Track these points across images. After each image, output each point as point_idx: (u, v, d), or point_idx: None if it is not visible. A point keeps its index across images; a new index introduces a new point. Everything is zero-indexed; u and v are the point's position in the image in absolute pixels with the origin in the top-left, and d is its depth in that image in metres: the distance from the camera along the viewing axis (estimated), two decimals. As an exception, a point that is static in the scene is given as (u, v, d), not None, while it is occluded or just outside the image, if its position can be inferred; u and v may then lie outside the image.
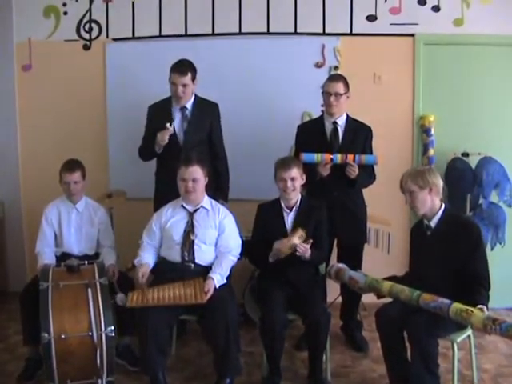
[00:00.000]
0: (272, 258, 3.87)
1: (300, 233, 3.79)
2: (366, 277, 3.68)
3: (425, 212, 3.56)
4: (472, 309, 3.07)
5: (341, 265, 3.89)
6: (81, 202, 4.31)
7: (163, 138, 4.21)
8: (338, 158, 4.15)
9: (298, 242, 3.75)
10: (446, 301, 3.18)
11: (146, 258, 3.91)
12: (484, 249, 3.49)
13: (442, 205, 3.57)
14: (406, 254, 5.00)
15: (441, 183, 3.55)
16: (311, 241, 3.79)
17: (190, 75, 4.26)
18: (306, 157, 4.17)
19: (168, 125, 4.20)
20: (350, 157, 4.14)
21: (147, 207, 4.50)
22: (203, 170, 3.92)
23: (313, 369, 3.81)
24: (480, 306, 3.14)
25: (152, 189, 4.58)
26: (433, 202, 3.53)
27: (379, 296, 3.63)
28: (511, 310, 5.14)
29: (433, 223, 3.57)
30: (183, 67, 4.25)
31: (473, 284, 3.35)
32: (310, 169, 4.12)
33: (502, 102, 5.11)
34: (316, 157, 4.16)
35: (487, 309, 3.17)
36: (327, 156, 4.15)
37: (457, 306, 3.12)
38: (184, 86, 4.26)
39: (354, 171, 4.14)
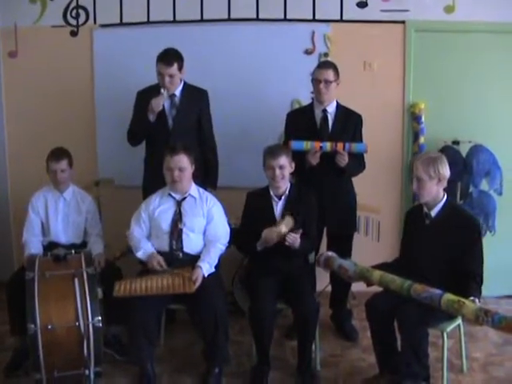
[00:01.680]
0: (260, 246, 3.86)
1: (288, 220, 3.78)
2: (355, 265, 3.66)
3: (428, 200, 3.54)
4: (464, 300, 3.06)
5: (330, 253, 3.87)
6: (68, 191, 4.27)
7: (158, 103, 4.17)
8: (328, 146, 4.11)
9: (286, 231, 3.73)
10: (438, 291, 3.17)
11: (149, 248, 3.88)
12: (481, 245, 3.48)
13: (444, 195, 3.55)
14: (395, 242, 5.07)
15: (448, 174, 3.53)
16: (301, 230, 3.78)
17: (176, 65, 4.21)
18: (294, 145, 4.14)
19: (162, 90, 4.17)
20: (340, 145, 4.11)
21: (136, 195, 4.46)
22: (189, 158, 3.88)
23: (302, 358, 3.79)
24: (471, 297, 3.13)
25: (140, 177, 4.55)
26: (438, 192, 3.52)
27: (369, 284, 3.61)
28: (501, 299, 5.18)
29: (433, 212, 3.56)
30: (169, 57, 4.21)
31: (466, 278, 3.35)
32: (299, 157, 4.08)
33: (493, 89, 5.08)
34: (305, 145, 4.13)
35: (479, 301, 3.16)
36: (316, 144, 4.12)
37: (448, 296, 3.10)
38: (171, 76, 4.22)
39: (343, 160, 4.11)
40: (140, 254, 3.85)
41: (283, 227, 3.75)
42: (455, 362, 3.94)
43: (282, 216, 3.86)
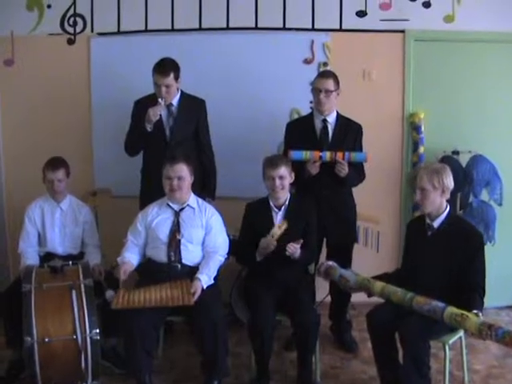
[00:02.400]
0: (259, 256, 3.84)
1: (281, 223, 3.77)
2: (356, 276, 3.63)
3: (430, 211, 3.51)
4: (467, 313, 3.03)
5: (331, 263, 3.82)
6: (65, 201, 4.23)
7: (155, 113, 4.13)
8: (327, 155, 4.09)
9: (279, 232, 3.74)
10: (440, 304, 3.14)
11: (128, 257, 3.83)
12: (484, 258, 3.44)
13: (447, 206, 3.52)
14: (395, 252, 5.07)
15: (452, 185, 3.50)
16: (301, 240, 3.74)
17: (172, 75, 4.18)
18: (294, 155, 4.11)
19: (160, 100, 4.13)
20: (340, 154, 4.08)
21: (133, 205, 4.42)
22: (189, 168, 3.85)
23: (302, 370, 3.76)
24: (475, 311, 3.10)
25: (137, 186, 4.51)
26: (441, 203, 3.49)
27: (370, 295, 3.58)
28: (501, 309, 5.15)
29: (435, 223, 3.52)
30: (165, 68, 4.18)
31: (468, 290, 3.32)
32: (298, 167, 4.06)
33: (494, 99, 5.06)
34: (304, 154, 4.10)
35: (482, 314, 3.13)
36: (316, 154, 4.09)
37: (451, 309, 3.08)
38: (167, 86, 4.18)
39: (343, 169, 4.08)
40: (119, 259, 3.80)
41: (276, 228, 3.75)
42: (456, 374, 3.91)
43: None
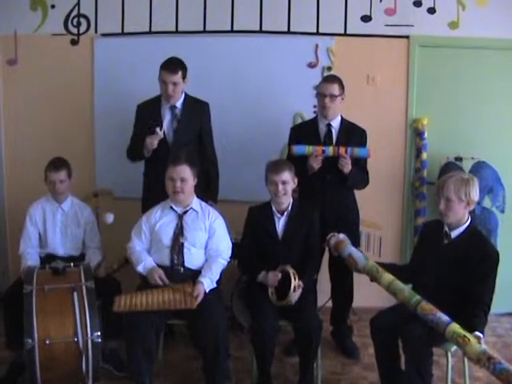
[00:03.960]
0: (261, 280, 3.83)
1: (292, 290, 3.67)
2: (366, 260, 3.59)
3: (452, 222, 3.46)
4: (469, 336, 2.98)
5: (342, 236, 3.78)
6: (66, 202, 4.22)
7: (152, 142, 4.13)
8: (330, 150, 4.11)
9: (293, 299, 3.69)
10: (445, 318, 3.10)
11: (150, 262, 3.80)
12: (495, 277, 3.39)
13: (468, 218, 3.47)
14: (396, 258, 5.08)
15: (478, 198, 3.45)
16: (302, 286, 3.71)
17: (180, 73, 4.17)
18: (297, 149, 4.13)
19: (158, 129, 4.11)
20: (342, 149, 4.09)
21: (134, 207, 4.42)
22: (192, 170, 3.83)
23: (303, 376, 3.74)
24: (477, 333, 3.04)
25: (139, 188, 4.49)
26: (463, 215, 3.43)
27: (373, 280, 3.55)
28: (501, 316, 5.15)
29: (454, 234, 3.46)
30: (174, 65, 4.17)
31: (474, 307, 3.27)
32: (302, 168, 4.06)
33: (497, 106, 5.06)
34: (307, 149, 4.11)
35: (483, 336, 3.09)
36: (319, 148, 4.10)
37: (454, 328, 3.04)
38: (174, 84, 4.17)
39: (346, 164, 4.08)
40: (140, 268, 3.77)
41: (291, 297, 3.67)
42: (458, 381, 3.88)
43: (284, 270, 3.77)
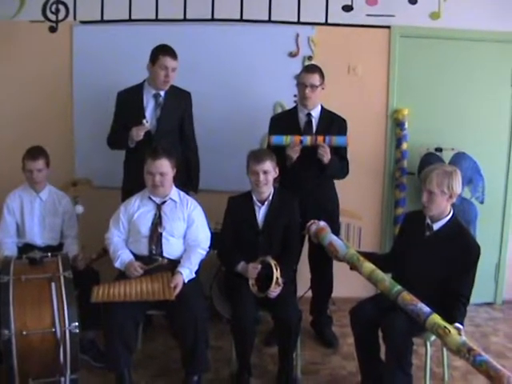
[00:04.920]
0: (240, 271, 3.82)
1: (274, 281, 3.64)
2: (347, 248, 3.60)
3: (434, 214, 3.46)
4: (450, 328, 3.02)
5: (322, 224, 3.79)
6: (44, 191, 4.17)
7: (138, 134, 4.09)
8: (308, 139, 4.09)
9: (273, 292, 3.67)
10: (426, 309, 3.13)
11: (126, 256, 3.77)
12: (476, 270, 3.40)
13: (451, 210, 3.46)
14: (376, 248, 5.10)
15: (460, 190, 3.46)
16: (282, 284, 3.68)
17: (178, 60, 4.17)
18: (274, 139, 4.13)
19: (144, 121, 4.08)
20: (320, 138, 4.08)
21: (114, 196, 4.39)
22: (171, 163, 3.80)
23: (283, 366, 3.74)
24: (458, 324, 3.08)
25: (119, 177, 4.45)
26: (446, 207, 3.43)
27: (353, 269, 3.56)
28: (480, 306, 5.23)
29: (436, 226, 3.47)
30: (174, 51, 4.16)
31: (454, 299, 3.30)
32: (281, 158, 4.04)
33: (477, 97, 5.08)
34: (285, 139, 4.10)
35: (463, 326, 3.12)
36: (297, 138, 4.09)
37: (435, 319, 3.07)
38: (173, 70, 4.16)
39: (325, 153, 4.06)
40: (118, 264, 3.75)
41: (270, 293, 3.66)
42: (436, 370, 3.93)
43: (264, 261, 3.76)
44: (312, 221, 3.84)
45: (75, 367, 3.36)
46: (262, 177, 3.80)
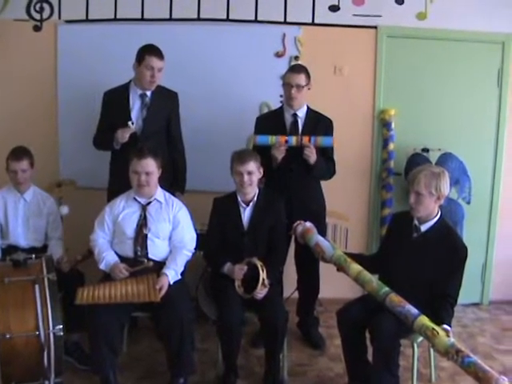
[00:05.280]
0: (226, 272, 3.80)
1: (260, 282, 3.63)
2: (334, 250, 3.58)
3: (422, 216, 3.44)
4: (438, 329, 3.01)
5: (309, 224, 3.77)
6: (28, 192, 4.12)
7: (124, 136, 4.06)
8: (293, 139, 4.06)
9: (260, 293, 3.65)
10: (414, 311, 3.12)
11: (111, 258, 3.74)
12: (463, 271, 3.40)
13: (438, 212, 3.45)
14: (363, 249, 5.08)
15: (448, 192, 3.44)
16: (268, 286, 3.67)
17: (164, 59, 4.14)
18: (259, 139, 4.10)
19: (130, 123, 4.05)
20: (306, 138, 4.05)
21: (99, 197, 4.35)
22: (156, 162, 3.77)
23: (269, 368, 3.72)
24: (445, 326, 3.07)
25: (104, 178, 4.41)
26: (433, 209, 3.42)
27: (340, 270, 3.54)
28: (467, 307, 5.24)
29: (423, 227, 3.45)
30: (160, 51, 4.13)
31: (441, 300, 3.29)
32: (267, 159, 4.02)
33: (464, 98, 5.09)
34: (270, 139, 4.07)
35: (450, 328, 3.11)
36: (282, 138, 4.06)
37: (423, 320, 3.06)
38: (159, 70, 4.13)
39: (311, 153, 4.03)
40: (103, 266, 3.72)
41: (257, 294, 3.64)
42: (423, 371, 3.93)
43: (250, 263, 3.75)
44: (298, 221, 3.83)
45: (59, 370, 3.34)
46: (246, 177, 3.78)
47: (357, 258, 3.57)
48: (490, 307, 5.34)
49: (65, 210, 4.10)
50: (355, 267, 3.44)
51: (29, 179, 4.09)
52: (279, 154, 4.06)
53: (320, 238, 3.69)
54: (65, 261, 3.90)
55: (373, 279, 3.35)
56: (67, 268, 3.89)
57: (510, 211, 5.24)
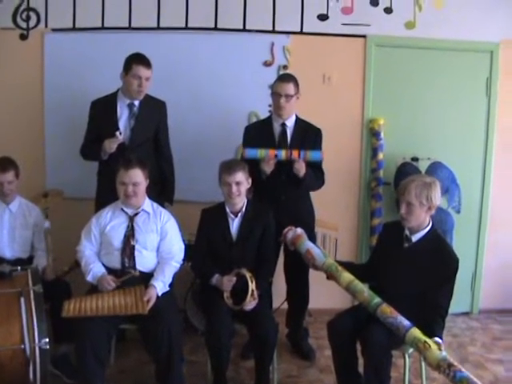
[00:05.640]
0: (214, 283, 3.76)
1: (250, 294, 3.59)
2: (325, 258, 3.55)
3: (413, 226, 3.41)
4: (430, 342, 2.99)
5: (299, 231, 3.74)
6: (14, 202, 4.08)
7: (111, 146, 4.01)
8: (283, 154, 4.02)
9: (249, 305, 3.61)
10: (405, 322, 3.10)
11: (98, 269, 3.68)
12: (454, 283, 3.36)
13: (429, 222, 3.42)
14: (353, 259, 5.04)
15: (440, 202, 3.42)
16: (257, 297, 3.64)
17: (151, 69, 4.11)
18: (248, 152, 4.04)
19: (118, 133, 4.00)
20: (295, 153, 4.01)
21: (86, 207, 4.32)
22: (144, 173, 3.73)
23: (260, 380, 3.69)
24: (437, 339, 3.05)
25: (91, 188, 4.38)
26: (424, 219, 3.39)
27: (330, 278, 3.52)
28: (457, 316, 5.23)
29: (414, 237, 3.42)
30: (147, 60, 4.10)
31: (433, 312, 3.26)
32: (255, 170, 3.99)
33: (452, 107, 5.09)
34: (259, 152, 4.02)
35: (442, 340, 3.10)
36: (271, 152, 4.01)
37: (415, 333, 3.05)
38: (147, 79, 4.10)
39: (301, 167, 4.00)
40: (90, 278, 3.67)
41: (246, 305, 3.60)
42: (414, 382, 3.89)
43: (239, 274, 3.71)
44: (289, 227, 3.79)
45: (46, 384, 3.28)
46: (234, 188, 3.75)
47: (347, 266, 3.55)
48: (480, 316, 5.33)
49: (46, 224, 4.04)
50: (347, 276, 3.41)
51: (15, 190, 4.04)
52: (268, 168, 4.03)
53: (311, 245, 3.66)
54: (49, 270, 3.84)
55: (364, 289, 3.32)
56: (51, 277, 3.84)
57: (499, 220, 5.24)
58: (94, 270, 3.67)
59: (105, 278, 3.60)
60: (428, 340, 3.00)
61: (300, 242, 3.67)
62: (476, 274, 5.31)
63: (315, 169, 4.17)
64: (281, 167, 4.05)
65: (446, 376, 2.90)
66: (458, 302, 5.01)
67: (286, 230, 3.78)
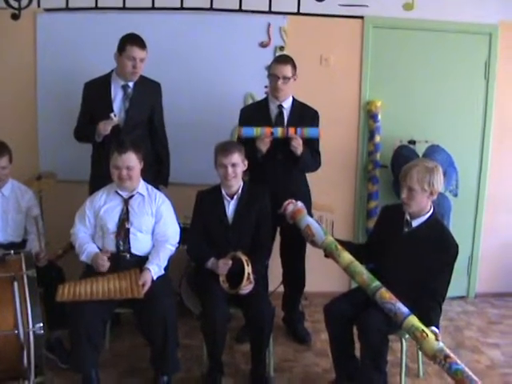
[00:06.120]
0: (210, 267, 3.72)
1: (245, 277, 3.56)
2: (325, 235, 3.49)
3: (414, 211, 3.38)
4: (427, 332, 2.99)
5: (300, 204, 3.68)
6: (7, 186, 4.01)
7: (106, 128, 3.95)
8: (279, 131, 3.98)
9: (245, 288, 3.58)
10: (404, 309, 3.08)
11: (92, 248, 3.66)
12: (452, 269, 3.34)
13: (431, 207, 3.39)
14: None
15: (442, 187, 3.39)
16: (253, 281, 3.61)
17: (146, 49, 4.04)
18: (244, 131, 4.01)
19: (112, 115, 3.94)
20: (292, 130, 3.97)
21: (79, 190, 4.29)
22: (138, 156, 3.68)
23: (256, 364, 3.66)
24: (434, 328, 3.05)
25: (85, 170, 4.32)
26: (426, 204, 3.36)
27: (328, 257, 3.48)
28: (452, 300, 5.23)
29: (415, 223, 3.40)
30: (142, 41, 4.03)
31: (430, 299, 3.26)
32: (252, 151, 3.95)
33: (451, 89, 5.04)
34: (255, 131, 3.98)
35: (438, 328, 3.09)
36: (267, 130, 3.97)
37: (413, 321, 3.04)
38: (141, 60, 4.03)
39: (298, 144, 3.96)
40: (84, 258, 3.64)
41: (241, 290, 3.57)
42: (411, 366, 3.90)
43: (235, 257, 3.67)
44: (289, 200, 3.73)
45: (40, 370, 3.24)
46: (230, 170, 3.71)
47: (346, 245, 3.51)
48: (476, 300, 5.33)
49: (34, 211, 3.98)
50: (346, 256, 3.37)
51: (8, 175, 3.98)
52: (264, 146, 3.99)
53: (311, 221, 3.59)
54: (42, 256, 3.79)
55: (364, 271, 3.29)
56: (44, 263, 3.79)
57: (496, 204, 5.22)
58: (88, 249, 3.65)
59: (99, 255, 3.58)
60: (426, 329, 2.99)
61: (300, 217, 3.61)
62: (472, 258, 5.30)
63: (312, 150, 4.12)
64: (277, 146, 4.01)
65: (442, 367, 2.91)
66: (455, 286, 4.90)
67: (286, 202, 3.70)
